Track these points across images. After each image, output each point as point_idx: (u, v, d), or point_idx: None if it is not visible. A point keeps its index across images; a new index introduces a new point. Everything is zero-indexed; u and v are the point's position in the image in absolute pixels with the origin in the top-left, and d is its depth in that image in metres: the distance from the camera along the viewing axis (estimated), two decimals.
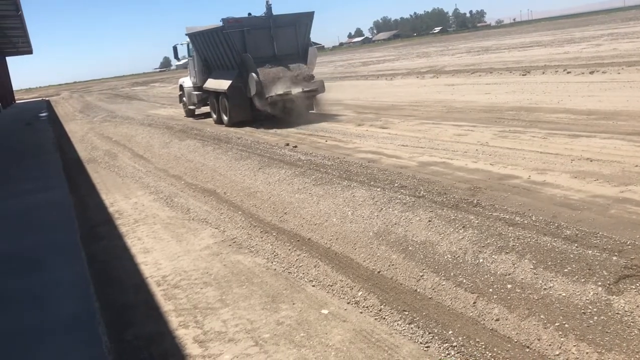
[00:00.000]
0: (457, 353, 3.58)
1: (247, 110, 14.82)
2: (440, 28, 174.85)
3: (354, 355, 3.65)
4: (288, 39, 14.63)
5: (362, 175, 7.37)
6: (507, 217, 5.12)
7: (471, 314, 3.95)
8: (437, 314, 4.06)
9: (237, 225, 6.73)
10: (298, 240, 5.88)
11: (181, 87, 20.26)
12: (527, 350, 3.48)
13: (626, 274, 3.78)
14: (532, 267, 4.13)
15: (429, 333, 3.84)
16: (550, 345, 3.44)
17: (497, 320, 3.80)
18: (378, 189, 6.54)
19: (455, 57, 36.10)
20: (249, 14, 14.77)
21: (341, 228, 5.81)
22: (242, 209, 7.33)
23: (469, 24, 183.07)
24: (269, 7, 14.38)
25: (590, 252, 4.15)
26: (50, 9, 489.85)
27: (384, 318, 4.14)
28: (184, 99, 19.84)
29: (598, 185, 5.86)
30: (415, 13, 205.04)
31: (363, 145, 9.95)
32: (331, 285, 4.78)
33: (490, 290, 4.08)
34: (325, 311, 4.33)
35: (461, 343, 3.67)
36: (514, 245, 4.48)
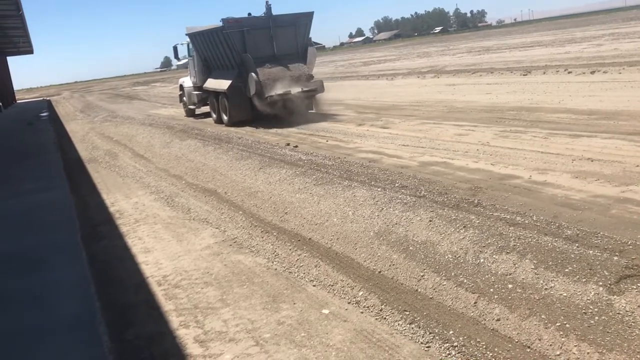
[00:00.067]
0: (458, 353, 3.58)
1: (247, 110, 14.84)
2: (441, 28, 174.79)
3: (355, 355, 3.65)
4: (288, 39, 14.65)
5: (363, 175, 7.37)
6: (508, 217, 5.12)
7: (472, 314, 3.95)
8: (437, 314, 4.06)
9: (237, 225, 6.73)
10: (299, 240, 5.88)
11: (181, 87, 20.29)
12: (528, 350, 3.48)
13: (627, 274, 3.77)
14: (533, 267, 4.12)
15: (430, 333, 3.83)
16: (551, 345, 3.43)
17: (498, 320, 3.80)
18: (379, 189, 6.53)
19: (456, 57, 36.08)
20: (249, 14, 14.80)
21: (342, 228, 5.81)
22: (243, 209, 7.33)
23: (469, 23, 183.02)
24: (268, 7, 14.41)
25: (591, 252, 4.15)
26: (51, 9, 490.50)
27: (385, 318, 4.13)
28: (184, 98, 19.86)
29: (599, 185, 5.86)
30: (416, 13, 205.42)
31: (364, 145, 9.95)
32: (332, 285, 4.78)
33: (491, 290, 4.08)
34: (326, 311, 4.33)
35: (462, 343, 3.67)
36: (514, 245, 4.47)
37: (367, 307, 4.34)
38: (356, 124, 12.55)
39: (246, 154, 10.05)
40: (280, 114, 14.11)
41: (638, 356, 3.16)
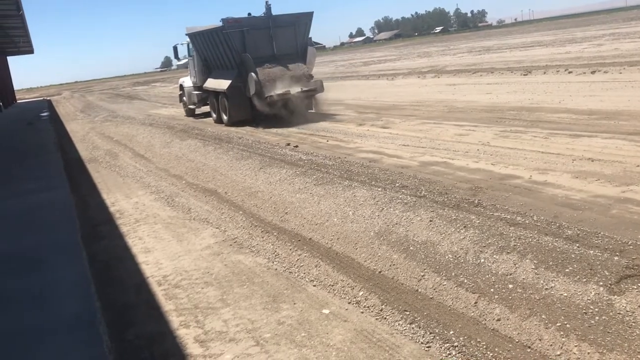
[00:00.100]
0: (459, 353, 3.57)
1: (246, 109, 14.85)
2: (441, 28, 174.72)
3: (355, 355, 3.65)
4: (287, 39, 14.67)
5: (363, 175, 7.37)
6: (509, 217, 5.11)
7: (472, 314, 3.95)
8: (438, 314, 4.05)
9: (238, 225, 6.73)
10: (299, 240, 5.88)
11: (181, 87, 20.31)
12: (529, 350, 3.48)
13: (628, 274, 3.77)
14: (533, 267, 4.12)
15: (430, 333, 3.83)
16: (551, 345, 3.43)
17: (499, 320, 3.79)
18: (379, 189, 6.53)
19: (456, 56, 36.08)
20: (249, 14, 14.82)
21: (342, 228, 5.81)
22: (243, 209, 7.33)
23: (470, 23, 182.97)
24: (268, 8, 14.43)
25: (591, 252, 4.14)
26: (52, 9, 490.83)
27: (385, 318, 4.13)
28: (184, 98, 19.89)
29: (599, 185, 5.85)
30: (416, 13, 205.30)
31: (364, 145, 9.95)
32: (332, 285, 4.78)
33: (492, 290, 4.07)
34: (326, 311, 4.32)
35: (462, 343, 3.66)
36: (515, 245, 4.47)
37: (368, 307, 4.33)
38: (356, 123, 12.55)
39: (246, 154, 10.05)
40: (280, 114, 14.12)
41: (638, 356, 3.15)
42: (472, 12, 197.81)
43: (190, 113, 19.61)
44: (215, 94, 16.01)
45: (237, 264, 5.50)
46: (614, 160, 6.68)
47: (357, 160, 8.56)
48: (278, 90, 13.73)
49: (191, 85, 18.73)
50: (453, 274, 4.41)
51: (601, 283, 3.74)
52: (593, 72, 16.64)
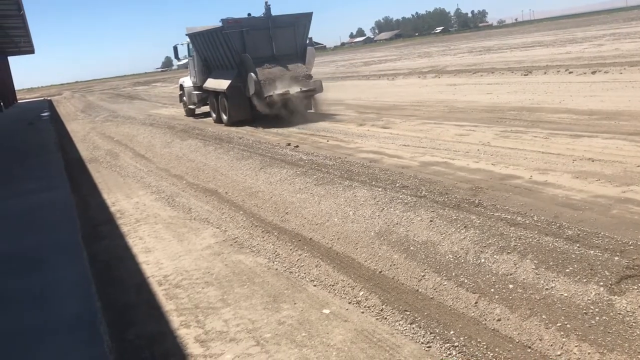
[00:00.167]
0: (459, 353, 3.58)
1: (246, 109, 14.89)
2: (442, 28, 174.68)
3: (356, 355, 3.65)
4: (287, 39, 14.70)
5: (364, 175, 7.37)
6: (509, 217, 5.11)
7: (473, 314, 3.95)
8: (438, 314, 4.05)
9: (238, 225, 6.73)
10: (299, 240, 5.88)
11: (181, 87, 20.35)
12: (529, 350, 3.48)
13: (628, 274, 3.77)
14: (533, 267, 4.12)
15: (431, 333, 3.83)
16: (552, 345, 3.43)
17: (499, 320, 3.80)
18: (379, 189, 6.53)
19: (457, 57, 36.07)
20: (249, 14, 14.84)
21: (342, 228, 5.81)
22: (244, 209, 7.33)
23: (470, 23, 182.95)
24: (267, 8, 14.46)
25: (592, 252, 4.14)
26: (52, 9, 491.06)
27: (386, 318, 4.13)
28: (184, 98, 19.91)
29: (600, 185, 5.85)
30: (417, 13, 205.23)
31: (364, 145, 9.95)
32: (332, 285, 4.78)
33: (492, 290, 4.08)
34: (326, 311, 4.32)
35: (463, 343, 3.66)
36: (515, 245, 4.47)
37: (368, 307, 4.34)
38: (357, 124, 12.55)
39: (247, 154, 10.06)
40: (280, 114, 14.14)
41: (639, 356, 3.15)
42: (472, 12, 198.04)
43: (190, 113, 19.63)
44: (215, 94, 16.03)
45: (238, 264, 5.50)
46: (614, 160, 6.68)
47: (358, 160, 8.56)
48: (277, 90, 13.76)
49: (191, 85, 18.76)
50: (453, 274, 4.42)
51: (602, 283, 3.74)
52: (594, 72, 16.63)
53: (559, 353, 3.36)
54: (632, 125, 8.55)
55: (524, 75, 18.97)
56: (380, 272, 4.83)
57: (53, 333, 3.98)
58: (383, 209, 5.86)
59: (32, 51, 44.65)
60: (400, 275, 4.68)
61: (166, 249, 6.19)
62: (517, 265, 4.21)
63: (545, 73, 18.65)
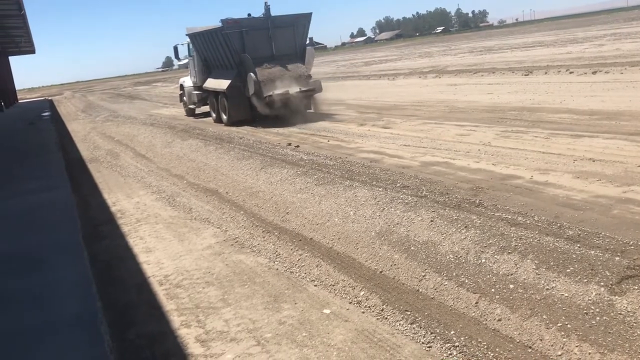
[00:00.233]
0: (459, 353, 3.57)
1: (246, 109, 14.91)
2: (442, 28, 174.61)
3: (356, 355, 3.65)
4: (286, 40, 14.74)
5: (364, 175, 7.37)
6: (510, 217, 5.11)
7: (473, 314, 3.95)
8: (439, 314, 4.05)
9: (239, 225, 6.73)
10: (300, 240, 5.88)
11: (182, 87, 20.38)
12: (530, 350, 3.48)
13: (629, 275, 3.77)
14: (534, 267, 4.12)
15: (431, 333, 3.83)
16: (552, 345, 3.43)
17: (500, 320, 3.79)
18: (380, 189, 6.53)
19: (457, 57, 36.06)
20: (249, 14, 14.86)
21: (343, 228, 5.81)
22: (244, 209, 7.33)
23: (471, 23, 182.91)
24: (267, 8, 14.50)
25: (592, 252, 4.14)
26: (53, 9, 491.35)
27: (386, 318, 4.13)
28: (185, 98, 19.93)
29: (600, 185, 5.85)
30: (417, 13, 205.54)
31: (365, 145, 9.95)
32: (333, 285, 4.78)
33: (493, 290, 4.07)
34: (327, 311, 4.32)
35: (463, 343, 3.66)
36: (516, 245, 4.47)
37: (369, 307, 4.34)
38: (357, 123, 12.55)
39: (247, 154, 10.06)
40: (279, 114, 14.16)
41: (639, 357, 3.15)
42: (473, 12, 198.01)
43: (191, 113, 19.65)
44: (215, 93, 16.05)
45: (238, 264, 5.50)
46: (615, 160, 6.67)
47: (358, 160, 8.56)
48: (277, 90, 13.79)
49: (191, 85, 18.79)
50: (454, 274, 4.41)
51: (602, 283, 3.74)
52: (594, 73, 16.62)
53: (559, 353, 3.36)
54: (633, 126, 8.55)
55: (525, 75, 18.96)
56: (380, 272, 4.83)
57: (53, 333, 3.98)
58: (384, 209, 5.86)
59: (32, 51, 44.72)
60: (401, 275, 4.68)
61: (167, 248, 6.19)
62: (517, 266, 4.21)
63: (546, 73, 18.65)
